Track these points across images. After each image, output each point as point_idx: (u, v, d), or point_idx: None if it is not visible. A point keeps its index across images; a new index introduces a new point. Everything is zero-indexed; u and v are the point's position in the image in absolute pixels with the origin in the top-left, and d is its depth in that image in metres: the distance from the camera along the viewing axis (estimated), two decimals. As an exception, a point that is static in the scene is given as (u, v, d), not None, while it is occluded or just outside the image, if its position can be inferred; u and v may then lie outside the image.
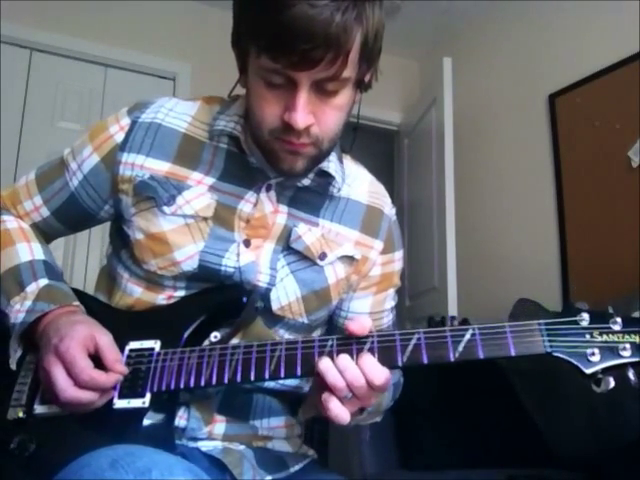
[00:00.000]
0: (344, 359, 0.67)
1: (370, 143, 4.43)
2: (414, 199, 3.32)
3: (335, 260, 0.86)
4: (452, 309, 2.69)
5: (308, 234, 0.85)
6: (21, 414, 0.75)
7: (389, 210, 0.96)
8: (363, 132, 3.91)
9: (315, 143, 0.75)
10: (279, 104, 0.72)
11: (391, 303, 0.97)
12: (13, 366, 0.78)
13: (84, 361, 0.70)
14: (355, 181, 0.93)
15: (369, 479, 1.82)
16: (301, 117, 0.70)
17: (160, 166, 0.83)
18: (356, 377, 0.66)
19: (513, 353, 0.67)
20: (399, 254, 0.96)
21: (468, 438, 1.90)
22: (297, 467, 0.86)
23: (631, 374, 0.65)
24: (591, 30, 2.49)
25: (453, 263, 2.76)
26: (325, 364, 0.67)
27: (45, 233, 0.92)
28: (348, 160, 0.95)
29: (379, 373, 0.66)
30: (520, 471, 1.74)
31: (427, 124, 3.16)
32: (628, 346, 0.65)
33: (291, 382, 0.88)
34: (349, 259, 0.88)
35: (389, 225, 0.94)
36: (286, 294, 0.83)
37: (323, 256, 0.85)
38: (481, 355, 0.67)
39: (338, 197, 0.90)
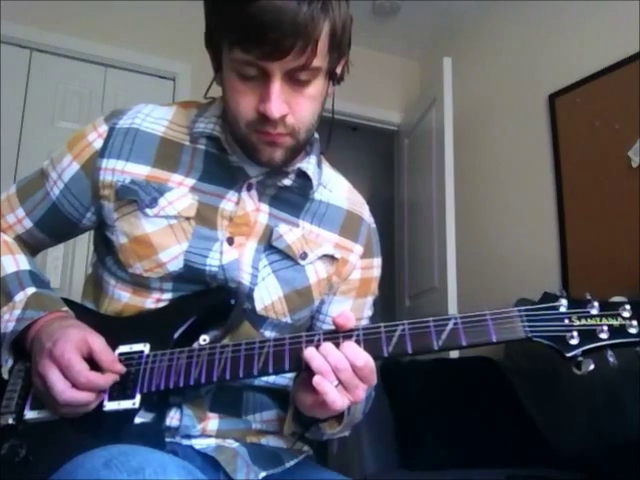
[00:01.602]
0: (327, 346, 0.69)
1: (370, 143, 4.44)
2: (414, 199, 3.32)
3: (316, 260, 0.87)
4: (452, 309, 2.70)
5: (289, 233, 0.86)
6: (11, 420, 0.75)
7: (368, 217, 0.97)
8: (363, 132, 3.89)
9: (292, 133, 0.76)
10: (254, 96, 0.74)
11: (368, 312, 0.98)
12: (5, 375, 0.79)
13: (80, 364, 0.71)
14: (335, 187, 0.95)
15: (369, 479, 1.82)
16: (276, 106, 0.72)
17: (140, 170, 0.84)
18: (340, 360, 0.67)
19: (494, 339, 0.68)
20: (378, 261, 0.97)
21: (468, 438, 1.90)
22: (292, 462, 0.87)
23: (609, 356, 0.66)
24: (591, 30, 2.49)
25: (453, 263, 2.77)
26: (310, 351, 0.69)
27: (30, 245, 0.93)
28: (327, 166, 0.97)
29: (360, 354, 0.68)
30: (520, 471, 1.74)
31: (427, 124, 3.16)
32: (606, 328, 0.66)
33: (281, 381, 0.88)
34: (329, 258, 0.89)
35: (368, 231, 0.96)
36: (268, 293, 0.84)
37: (304, 255, 0.86)
38: (464, 342, 0.69)
39: (319, 201, 0.91)
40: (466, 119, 3.09)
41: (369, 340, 0.70)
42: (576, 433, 1.91)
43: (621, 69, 2.32)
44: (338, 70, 0.81)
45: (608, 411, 1.82)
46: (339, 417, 0.77)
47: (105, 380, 0.72)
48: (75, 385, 0.70)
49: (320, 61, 0.72)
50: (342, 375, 0.67)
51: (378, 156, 4.37)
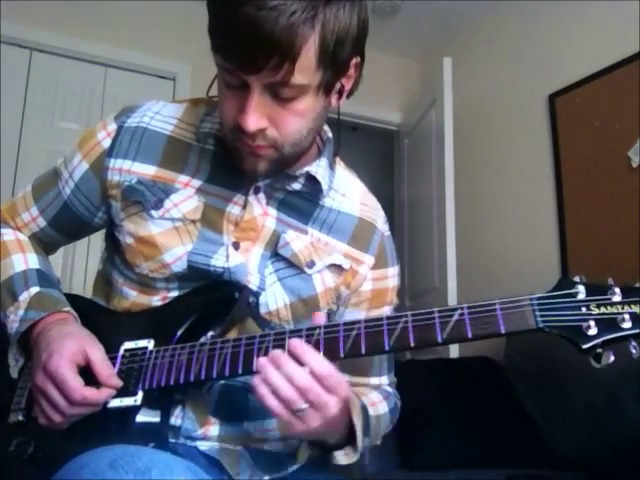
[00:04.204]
0: (289, 366, 0.65)
1: (370, 143, 4.44)
2: (414, 199, 3.32)
3: (323, 268, 0.85)
4: (452, 309, 2.69)
5: (296, 241, 0.83)
6: (21, 417, 0.76)
7: (382, 224, 0.93)
8: (363, 132, 3.89)
9: (275, 146, 0.73)
10: (235, 104, 0.71)
11: None
12: (14, 375, 0.79)
13: (74, 381, 0.70)
14: (347, 192, 0.91)
15: (369, 479, 1.82)
16: (251, 120, 0.68)
17: (147, 170, 0.83)
18: (306, 381, 0.64)
19: (503, 331, 0.63)
20: (393, 270, 0.93)
21: (468, 438, 1.90)
22: (295, 466, 0.86)
23: (633, 347, 0.60)
24: (591, 30, 2.49)
25: (453, 263, 2.76)
26: (262, 380, 0.65)
27: (44, 243, 0.93)
28: (341, 168, 0.93)
29: (323, 363, 0.65)
30: (520, 471, 1.74)
31: (427, 124, 3.16)
32: (627, 317, 0.60)
33: None
34: (337, 268, 0.86)
35: (381, 239, 0.91)
36: (275, 300, 0.83)
37: (311, 264, 0.84)
38: (470, 335, 0.63)
39: (329, 208, 0.88)
40: (466, 119, 3.09)
41: (370, 333, 0.67)
42: (576, 433, 1.91)
43: (621, 69, 2.32)
44: (346, 86, 0.76)
45: (608, 411, 1.82)
46: (353, 442, 0.75)
47: (100, 396, 0.71)
48: (70, 402, 0.69)
49: (306, 78, 0.67)
50: (311, 395, 0.64)
51: (378, 156, 4.36)
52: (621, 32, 2.33)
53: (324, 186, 0.84)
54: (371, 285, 0.90)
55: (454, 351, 2.63)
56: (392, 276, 0.93)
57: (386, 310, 0.93)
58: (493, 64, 3.07)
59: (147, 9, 3.07)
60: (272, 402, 0.64)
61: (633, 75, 2.25)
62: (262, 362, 0.66)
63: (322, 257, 0.85)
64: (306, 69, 0.66)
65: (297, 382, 0.64)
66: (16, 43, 2.84)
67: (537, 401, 2.09)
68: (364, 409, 0.80)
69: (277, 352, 0.66)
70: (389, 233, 0.95)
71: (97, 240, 2.80)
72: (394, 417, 0.94)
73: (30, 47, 2.87)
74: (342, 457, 0.76)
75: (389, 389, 0.96)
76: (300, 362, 0.65)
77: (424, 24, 3.34)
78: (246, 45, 0.63)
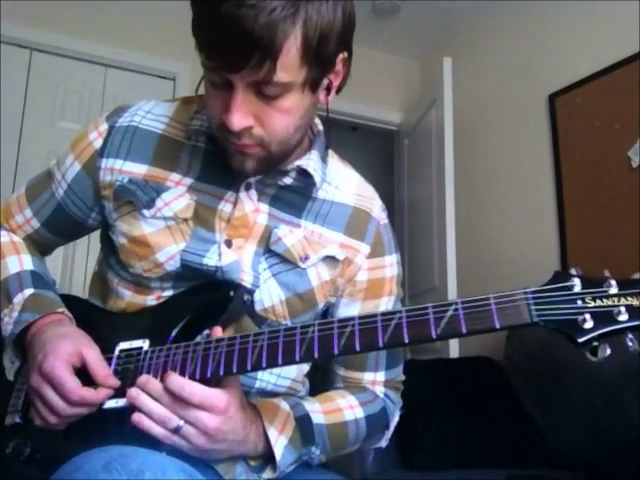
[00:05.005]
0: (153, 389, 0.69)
1: (370, 143, 4.44)
2: (414, 199, 3.32)
3: (318, 262, 0.84)
4: (452, 309, 2.69)
5: (289, 236, 0.83)
6: (17, 419, 0.76)
7: (378, 213, 0.92)
8: (363, 132, 3.90)
9: (261, 145, 0.72)
10: (220, 103, 0.70)
11: None
12: (10, 377, 0.79)
13: (71, 381, 0.69)
14: (341, 183, 0.90)
15: (369, 479, 1.82)
16: (236, 119, 0.68)
17: (138, 169, 0.83)
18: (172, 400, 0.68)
19: (497, 325, 0.62)
20: (391, 259, 0.92)
21: (468, 438, 1.90)
22: (291, 467, 0.86)
23: (629, 340, 0.58)
24: (591, 30, 2.49)
25: (453, 263, 2.76)
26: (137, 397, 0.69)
27: (39, 245, 0.93)
28: (335, 160, 0.92)
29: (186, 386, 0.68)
30: (520, 471, 1.74)
31: (427, 124, 3.16)
32: (624, 310, 0.58)
33: (283, 382, 0.87)
34: (332, 260, 0.85)
35: (377, 228, 0.91)
36: (270, 297, 0.82)
37: (305, 258, 0.83)
38: (464, 330, 0.62)
39: (322, 199, 0.87)
40: (466, 119, 3.09)
41: (364, 330, 0.66)
42: (576, 433, 1.91)
43: (621, 69, 2.32)
44: (334, 82, 0.76)
45: (608, 411, 1.82)
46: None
47: (98, 396, 0.71)
48: (68, 402, 0.69)
49: (290, 75, 0.66)
50: (180, 411, 0.67)
51: (378, 156, 4.36)
52: (621, 32, 2.33)
53: (317, 179, 0.84)
54: (367, 275, 0.89)
55: (454, 351, 2.63)
56: (390, 265, 0.92)
57: (385, 300, 0.91)
58: (493, 64, 3.07)
59: (147, 9, 3.07)
60: (146, 423, 0.67)
61: (633, 75, 2.25)
62: (134, 393, 0.69)
63: (316, 250, 0.84)
64: (289, 66, 0.66)
65: (164, 401, 0.68)
66: (16, 43, 2.84)
67: (537, 401, 2.09)
68: (302, 419, 0.80)
69: (144, 378, 0.70)
70: (386, 221, 0.93)
71: (97, 240, 2.79)
72: (382, 421, 0.92)
73: (30, 47, 2.87)
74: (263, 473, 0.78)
75: (379, 390, 0.93)
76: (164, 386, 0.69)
77: (424, 24, 3.34)
78: (227, 43, 0.63)
